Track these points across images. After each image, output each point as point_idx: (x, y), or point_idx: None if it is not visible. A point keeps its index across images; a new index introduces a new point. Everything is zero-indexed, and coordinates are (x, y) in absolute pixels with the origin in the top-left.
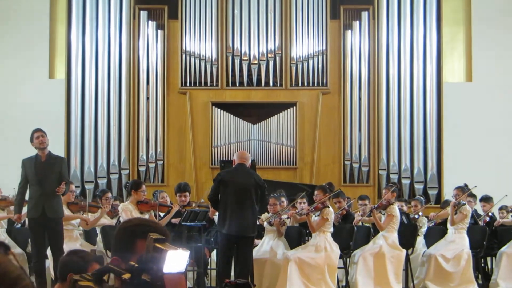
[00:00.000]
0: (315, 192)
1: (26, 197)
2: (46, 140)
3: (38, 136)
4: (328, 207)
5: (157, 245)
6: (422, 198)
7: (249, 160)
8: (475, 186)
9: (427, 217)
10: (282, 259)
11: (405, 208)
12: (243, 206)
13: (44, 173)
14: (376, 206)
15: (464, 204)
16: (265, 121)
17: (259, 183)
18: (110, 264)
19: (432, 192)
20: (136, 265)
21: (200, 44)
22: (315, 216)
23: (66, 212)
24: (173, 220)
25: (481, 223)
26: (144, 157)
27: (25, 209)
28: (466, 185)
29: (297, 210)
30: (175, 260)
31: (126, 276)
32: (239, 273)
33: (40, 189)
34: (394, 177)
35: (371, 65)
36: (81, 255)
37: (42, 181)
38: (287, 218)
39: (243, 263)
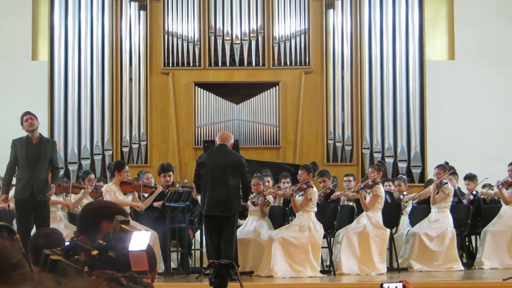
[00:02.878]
0: (299, 172)
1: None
2: (35, 123)
3: (27, 118)
4: (312, 187)
5: (123, 226)
6: (405, 177)
7: (230, 140)
8: (455, 170)
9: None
10: (266, 239)
11: (392, 188)
12: (218, 186)
13: (36, 155)
14: (362, 186)
15: (446, 183)
16: (248, 101)
17: (235, 163)
18: (78, 241)
19: (416, 171)
20: (104, 243)
21: (183, 24)
22: (299, 196)
23: None
24: (155, 204)
25: (465, 201)
26: (127, 138)
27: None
28: (446, 163)
29: (280, 193)
30: (138, 239)
31: (95, 252)
32: (223, 253)
33: (30, 170)
34: (377, 156)
35: (354, 44)
36: (57, 236)
37: (33, 163)
38: (271, 198)
39: (225, 243)
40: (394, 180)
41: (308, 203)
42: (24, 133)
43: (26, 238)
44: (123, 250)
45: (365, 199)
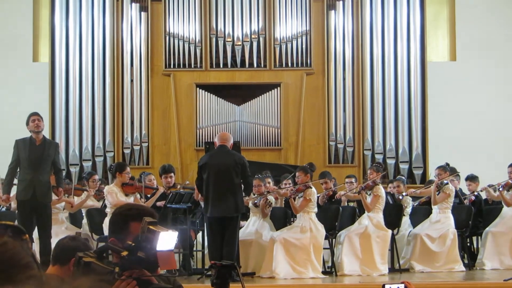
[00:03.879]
0: (297, 174)
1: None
2: (41, 124)
3: (34, 119)
4: (311, 188)
5: (151, 227)
6: (404, 178)
7: (229, 140)
8: (459, 172)
9: (411, 196)
10: (267, 240)
11: (394, 190)
12: (222, 188)
13: (39, 157)
14: (363, 186)
15: (447, 184)
16: (249, 102)
17: (238, 162)
18: (109, 243)
19: (417, 172)
20: (133, 244)
21: (184, 25)
22: (299, 198)
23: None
24: (158, 203)
25: (466, 202)
26: (129, 139)
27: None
28: (447, 164)
29: (282, 192)
30: (166, 239)
31: (124, 253)
32: (225, 254)
33: (32, 172)
34: (379, 157)
35: (355, 45)
36: (83, 241)
37: (36, 165)
38: (273, 199)
39: (227, 244)
40: (393, 181)
41: (307, 204)
42: (26, 133)
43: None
44: (152, 250)
45: (366, 200)
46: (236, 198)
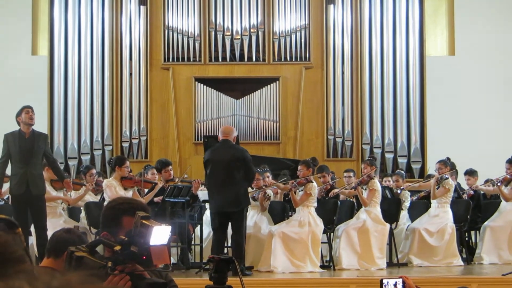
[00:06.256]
0: (299, 167)
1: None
2: (34, 118)
3: (28, 111)
4: (312, 182)
5: (144, 221)
6: (403, 172)
7: (232, 134)
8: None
9: (409, 190)
10: (266, 234)
11: (392, 183)
12: (225, 182)
13: (29, 150)
14: (358, 182)
15: (447, 178)
16: (248, 96)
17: (239, 157)
18: (101, 238)
19: (416, 166)
20: (126, 238)
21: (183, 19)
22: (299, 191)
23: (49, 189)
24: (155, 199)
25: (465, 196)
26: (127, 133)
27: (6, 186)
28: (448, 159)
29: (282, 186)
30: (159, 234)
31: (117, 247)
32: (234, 245)
33: (24, 165)
34: (377, 151)
35: (354, 39)
36: (78, 233)
37: (27, 158)
38: (271, 192)
39: (235, 235)
40: (392, 175)
41: (307, 198)
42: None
43: (24, 234)
44: (145, 245)
45: (362, 195)
46: (240, 193)
